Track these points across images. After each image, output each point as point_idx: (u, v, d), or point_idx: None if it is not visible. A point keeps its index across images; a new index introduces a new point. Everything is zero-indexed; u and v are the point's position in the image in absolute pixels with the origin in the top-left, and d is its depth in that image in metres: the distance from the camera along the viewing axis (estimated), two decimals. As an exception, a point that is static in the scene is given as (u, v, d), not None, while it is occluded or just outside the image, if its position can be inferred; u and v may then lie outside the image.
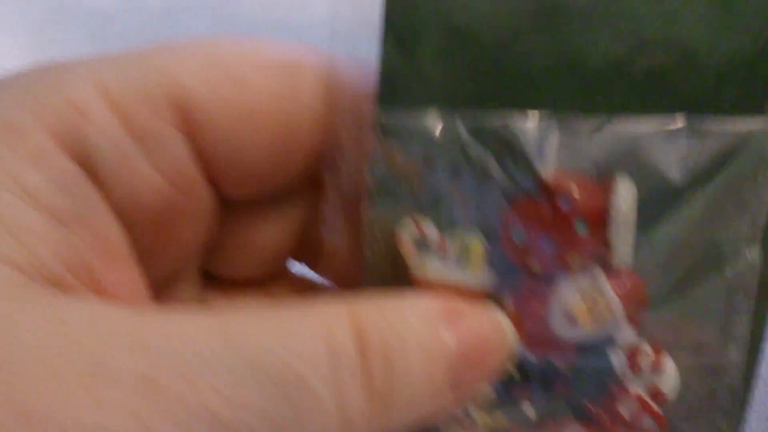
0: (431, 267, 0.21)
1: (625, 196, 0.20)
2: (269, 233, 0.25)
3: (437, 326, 0.19)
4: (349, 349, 0.18)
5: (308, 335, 0.18)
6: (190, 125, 0.21)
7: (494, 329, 0.21)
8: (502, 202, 0.20)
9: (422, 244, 0.21)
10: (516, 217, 0.20)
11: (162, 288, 0.24)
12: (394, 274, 0.21)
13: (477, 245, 0.21)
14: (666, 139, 0.20)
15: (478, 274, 0.21)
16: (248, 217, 0.24)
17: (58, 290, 0.18)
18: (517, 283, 0.21)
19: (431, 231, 0.21)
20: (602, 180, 0.20)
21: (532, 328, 0.21)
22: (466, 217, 0.21)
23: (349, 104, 0.21)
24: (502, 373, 0.21)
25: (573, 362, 0.21)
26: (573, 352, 0.21)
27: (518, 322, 0.21)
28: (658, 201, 0.20)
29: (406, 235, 0.21)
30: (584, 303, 0.20)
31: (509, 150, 0.20)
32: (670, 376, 0.21)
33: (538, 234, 0.20)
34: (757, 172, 0.20)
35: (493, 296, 0.21)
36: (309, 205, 0.25)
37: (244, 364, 0.17)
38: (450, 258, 0.21)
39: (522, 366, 0.22)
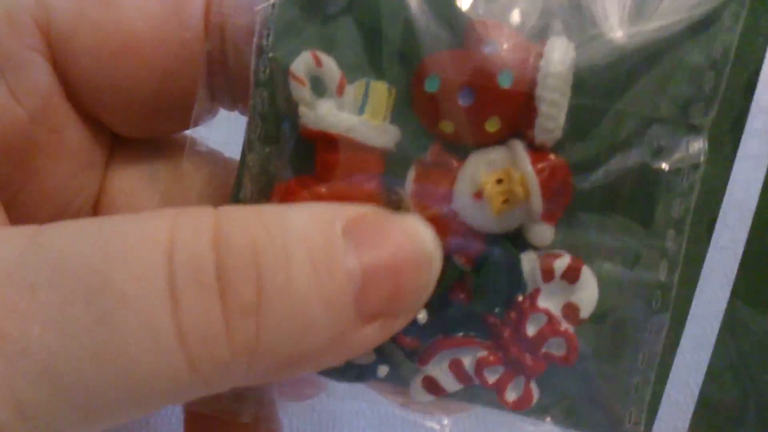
0: (324, 110, 0.17)
1: (560, 53, 0.17)
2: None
3: (334, 231, 0.16)
4: (201, 257, 0.14)
5: (141, 243, 0.14)
6: (56, 50, 0.19)
7: (412, 241, 0.17)
8: (419, 52, 0.17)
9: (318, 82, 0.18)
10: (434, 65, 0.17)
11: None
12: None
13: (382, 88, 0.17)
14: None
15: (379, 126, 0.17)
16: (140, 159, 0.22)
17: None
18: (424, 152, 0.18)
19: (331, 66, 0.17)
20: (536, 38, 0.17)
21: (435, 209, 0.18)
22: (375, 63, 0.18)
23: None
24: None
25: (477, 257, 0.18)
26: (478, 244, 0.18)
27: (419, 202, 0.18)
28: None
29: (302, 66, 0.17)
30: (496, 176, 0.17)
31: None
32: (587, 288, 0.18)
33: (456, 84, 0.17)
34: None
35: (393, 161, 0.18)
36: None
37: (46, 270, 0.14)
38: (348, 102, 0.17)
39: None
